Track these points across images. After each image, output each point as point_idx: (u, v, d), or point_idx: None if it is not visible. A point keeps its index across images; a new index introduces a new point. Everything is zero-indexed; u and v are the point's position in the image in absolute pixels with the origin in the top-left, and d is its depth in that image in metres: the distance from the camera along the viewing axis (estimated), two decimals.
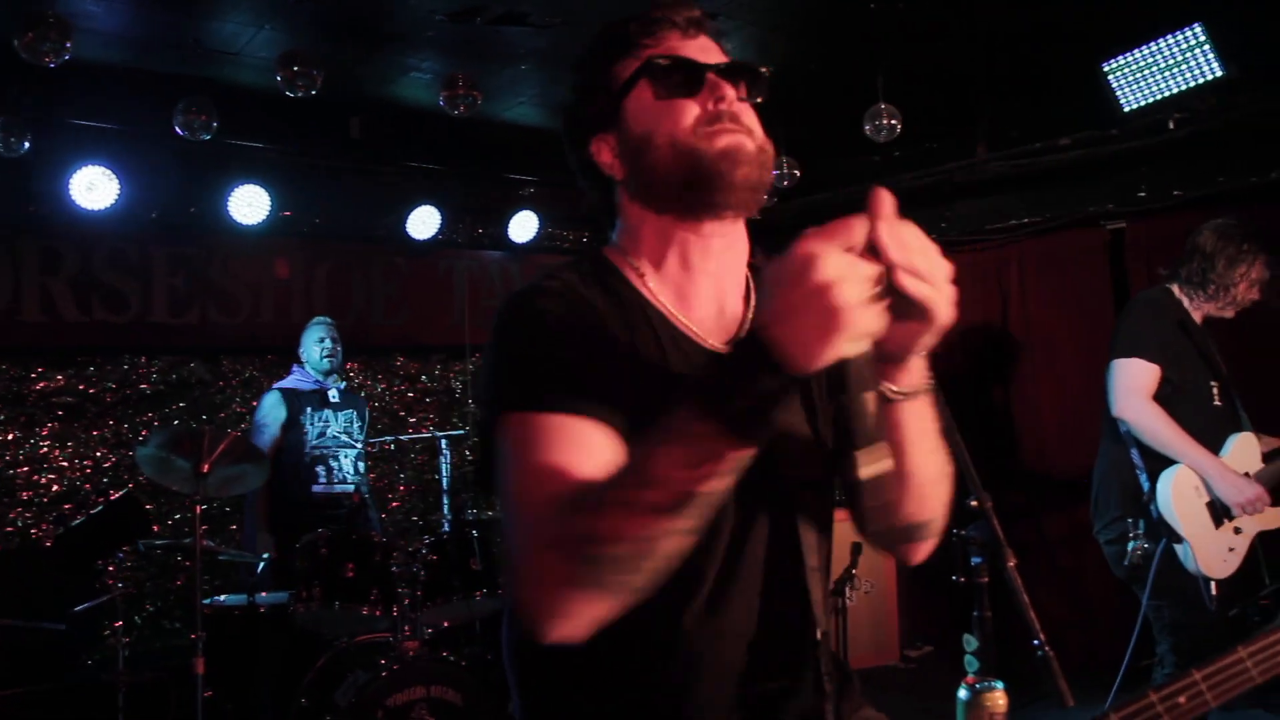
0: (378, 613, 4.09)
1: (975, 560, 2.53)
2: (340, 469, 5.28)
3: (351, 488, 5.21)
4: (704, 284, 1.42)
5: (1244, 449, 3.68)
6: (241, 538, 5.64)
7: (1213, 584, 3.59)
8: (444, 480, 5.26)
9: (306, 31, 5.13)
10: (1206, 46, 4.73)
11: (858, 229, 1.00)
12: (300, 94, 4.97)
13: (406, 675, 3.81)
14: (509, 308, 1.35)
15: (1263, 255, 3.76)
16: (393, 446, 6.40)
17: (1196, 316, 3.80)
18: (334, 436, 5.32)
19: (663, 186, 1.38)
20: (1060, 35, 5.15)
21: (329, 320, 5.55)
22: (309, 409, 5.31)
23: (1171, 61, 4.86)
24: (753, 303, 1.45)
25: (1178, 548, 3.62)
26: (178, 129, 5.24)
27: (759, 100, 1.44)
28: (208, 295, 6.18)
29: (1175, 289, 3.84)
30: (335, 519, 4.91)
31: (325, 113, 6.06)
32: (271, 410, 5.29)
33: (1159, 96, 4.99)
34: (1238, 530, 3.62)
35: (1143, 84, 5.00)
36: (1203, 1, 4.73)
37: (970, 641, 1.92)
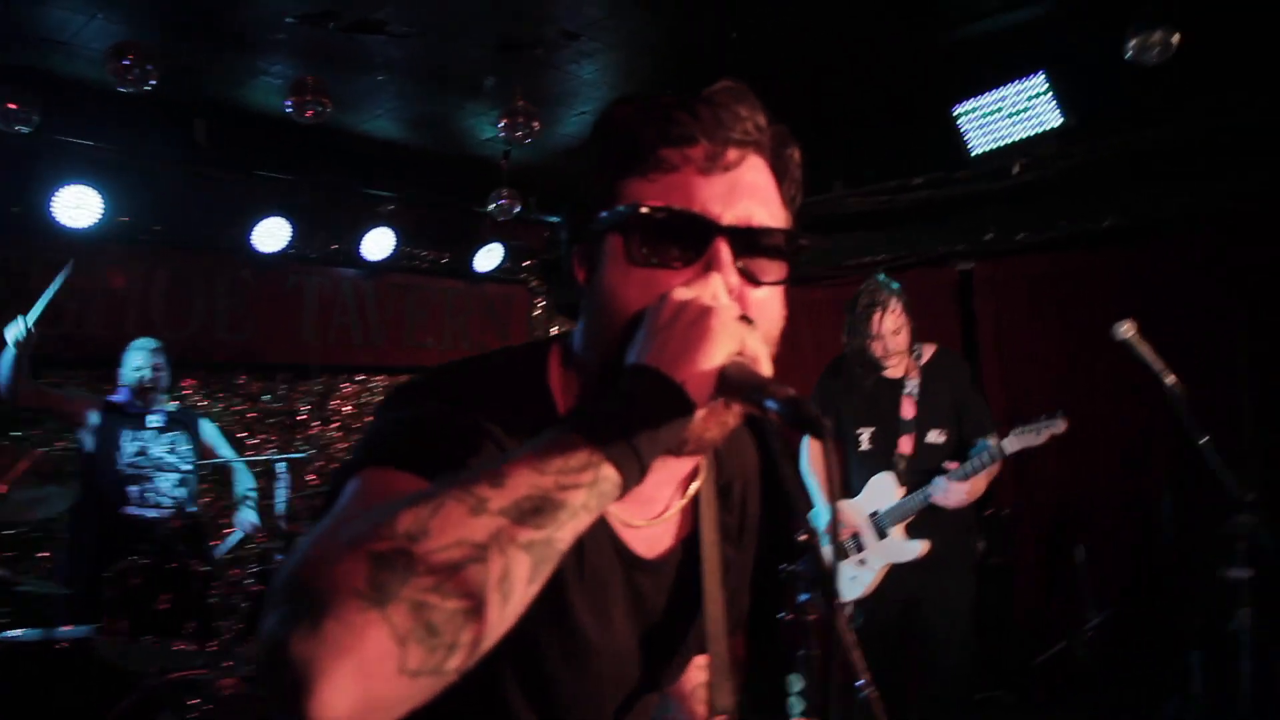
0: (193, 647, 3.80)
1: (802, 596, 2.51)
2: (155, 492, 4.91)
3: (168, 513, 4.86)
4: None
5: (877, 488, 4.11)
6: (53, 565, 5.21)
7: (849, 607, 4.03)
8: (279, 505, 4.97)
9: (145, 23, 4.83)
10: (1049, 94, 4.92)
11: (714, 281, 1.00)
12: (131, 89, 4.65)
13: (221, 715, 3.55)
14: (405, 390, 1.13)
15: (875, 311, 4.08)
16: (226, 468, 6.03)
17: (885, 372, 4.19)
18: (155, 457, 4.96)
19: (595, 374, 1.10)
20: (916, 77, 5.29)
21: (153, 345, 5.12)
22: (126, 429, 4.94)
23: (1016, 108, 5.03)
24: (691, 481, 1.26)
25: None
26: None
27: (775, 283, 1.09)
28: (28, 302, 5.71)
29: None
30: (148, 545, 4.57)
31: (168, 113, 5.74)
32: (93, 407, 4.95)
33: (1005, 142, 5.16)
34: (862, 562, 4.10)
35: (990, 129, 5.16)
36: (1046, 51, 4.92)
37: (794, 682, 1.86)
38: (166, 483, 4.95)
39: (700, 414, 0.96)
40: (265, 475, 6.07)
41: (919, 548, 4.02)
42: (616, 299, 1.05)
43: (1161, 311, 4.63)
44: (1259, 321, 5.01)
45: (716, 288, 1.00)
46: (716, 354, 0.92)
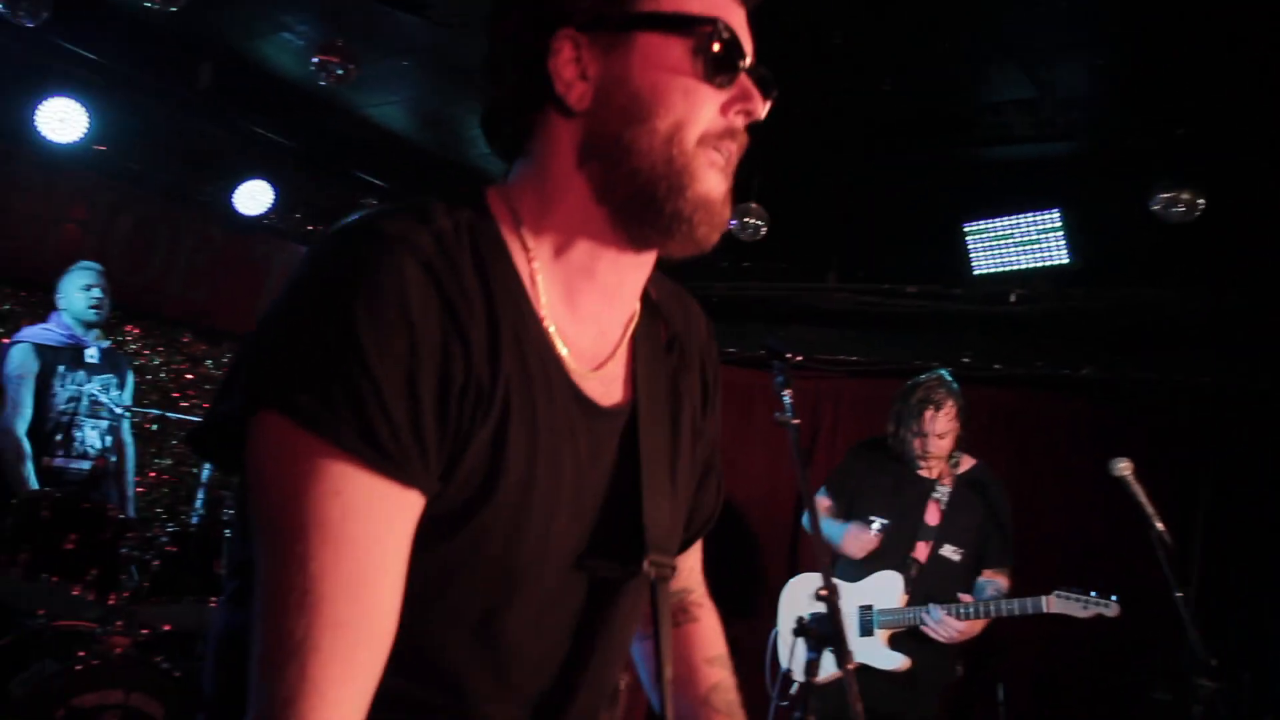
0: (91, 597, 3.51)
1: (810, 655, 2.38)
2: (83, 440, 4.61)
3: (92, 463, 4.56)
4: (595, 296, 1.14)
5: (882, 585, 4.00)
6: None
7: (793, 682, 3.91)
8: (204, 472, 4.70)
9: None
10: (1061, 232, 4.99)
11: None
12: (155, 5, 4.42)
13: (104, 674, 3.27)
14: (328, 250, 0.98)
15: (928, 408, 4.01)
16: (155, 426, 5.72)
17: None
18: (87, 402, 4.66)
19: (621, 181, 1.07)
20: (934, 187, 5.33)
21: (97, 266, 4.92)
22: (61, 368, 4.64)
23: (1027, 238, 5.10)
24: (629, 331, 1.20)
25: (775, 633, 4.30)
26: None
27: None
28: None
29: None
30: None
31: (175, 48, 5.50)
32: (24, 364, 4.60)
33: (1007, 268, 5.21)
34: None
35: (996, 252, 5.22)
36: (1068, 189, 5.00)
37: None
38: (95, 431, 4.65)
39: None
40: None
41: (898, 662, 3.89)
42: (664, 104, 1.05)
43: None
44: (1218, 506, 5.07)
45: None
46: None
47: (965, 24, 4.03)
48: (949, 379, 4.08)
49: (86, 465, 4.60)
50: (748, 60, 1.09)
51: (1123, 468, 3.29)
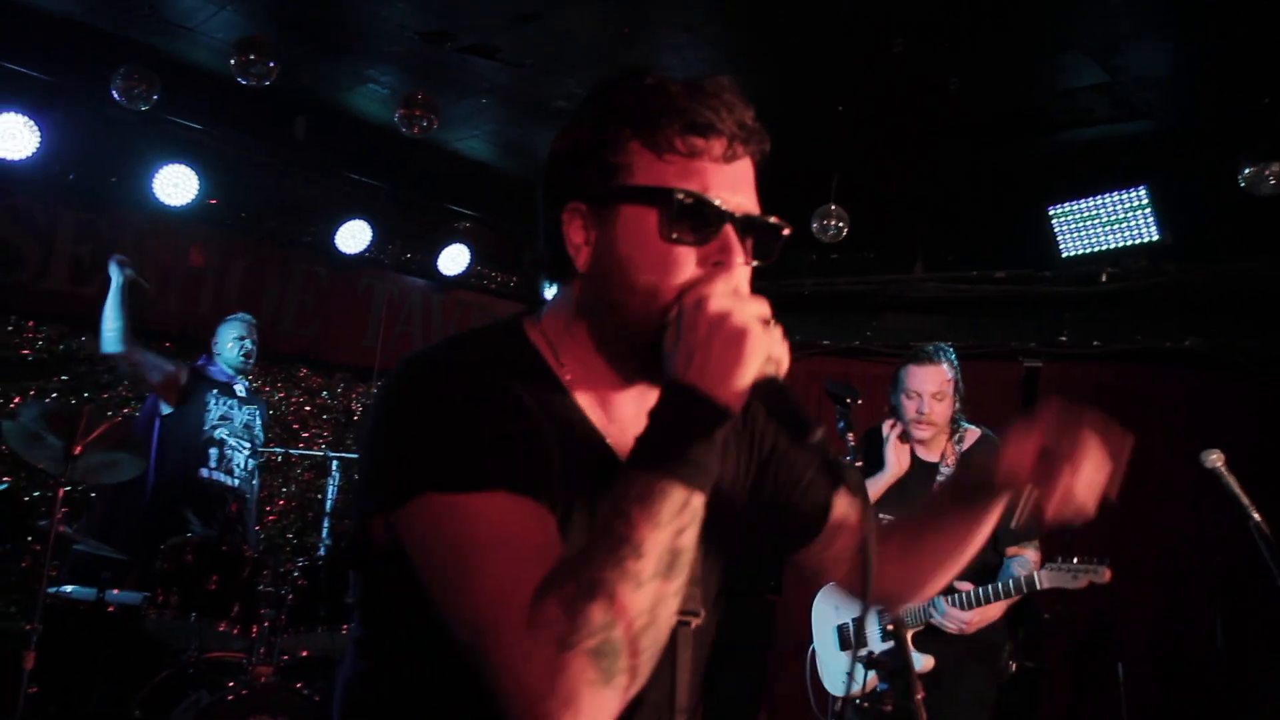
0: (235, 631, 3.82)
1: (881, 687, 2.46)
2: (233, 460, 4.98)
3: (238, 483, 4.92)
4: (630, 400, 1.28)
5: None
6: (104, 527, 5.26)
7: (836, 701, 3.85)
8: (328, 502, 5.00)
9: (268, 19, 4.98)
10: (1148, 209, 4.92)
11: (738, 273, 1.16)
12: (252, 83, 4.79)
13: (253, 701, 3.55)
14: (416, 375, 1.18)
15: (915, 364, 3.76)
16: (280, 458, 6.10)
17: (919, 450, 3.86)
18: (238, 425, 5.04)
19: (618, 332, 1.21)
20: (1017, 173, 5.31)
21: (251, 319, 5.29)
22: (215, 392, 5.02)
23: (1114, 217, 5.04)
24: None
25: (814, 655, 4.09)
26: (115, 94, 5.00)
27: (768, 263, 1.25)
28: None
29: None
30: (212, 515, 4.61)
31: (271, 106, 5.86)
32: (179, 364, 5.01)
33: (1096, 249, 5.16)
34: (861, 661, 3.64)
35: (1083, 233, 5.17)
36: (1153, 166, 4.93)
37: None
38: (240, 454, 5.02)
39: None
40: (315, 469, 6.11)
41: (921, 663, 3.57)
42: (643, 269, 1.17)
43: (1223, 441, 4.56)
44: None
45: (740, 279, 1.17)
46: (751, 372, 1.06)
47: (1031, 20, 4.03)
48: (944, 347, 3.82)
49: (234, 482, 4.95)
50: (723, 218, 1.17)
51: (1214, 459, 3.22)
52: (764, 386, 1.07)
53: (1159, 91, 4.41)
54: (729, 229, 1.18)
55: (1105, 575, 3.47)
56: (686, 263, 1.16)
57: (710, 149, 1.18)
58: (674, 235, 1.16)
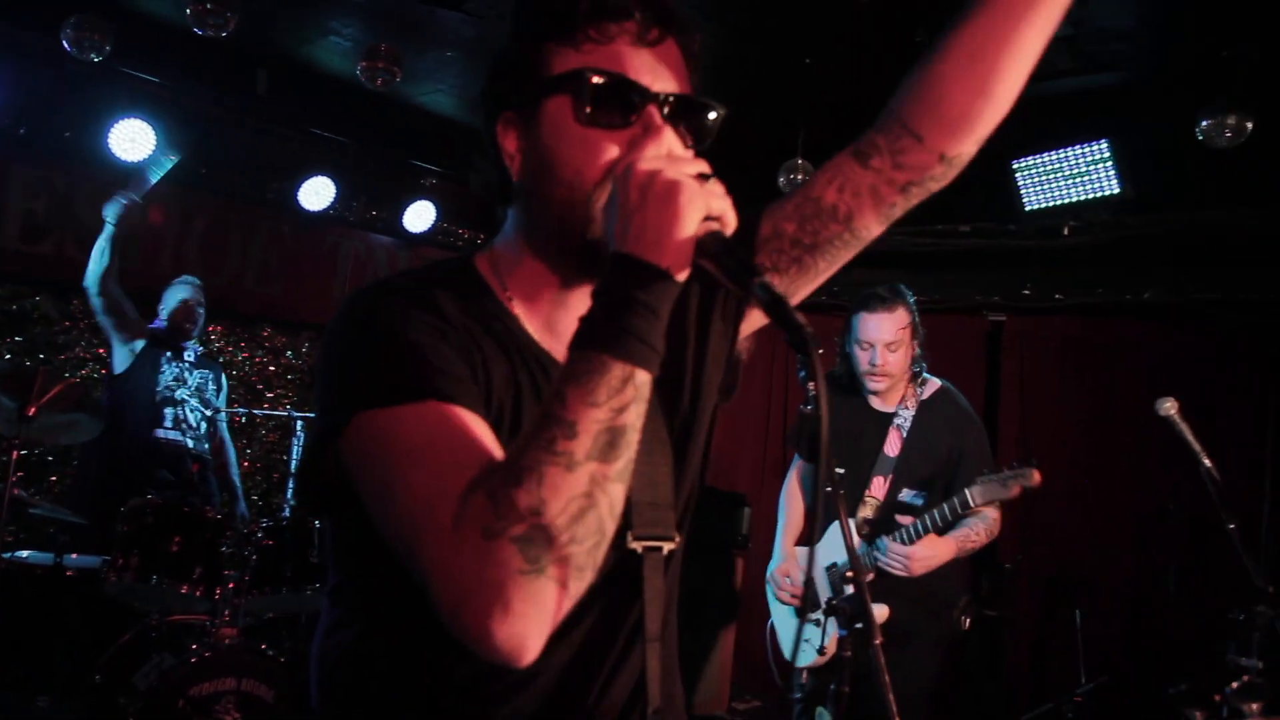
0: (198, 593, 3.81)
1: (841, 632, 2.51)
2: (189, 419, 4.95)
3: (194, 444, 4.90)
4: (575, 314, 1.19)
5: (833, 539, 3.51)
6: (65, 490, 5.23)
7: (802, 672, 3.54)
8: (293, 463, 4.98)
9: None
10: (1110, 162, 4.93)
11: (667, 137, 1.11)
12: (209, 33, 4.66)
13: (217, 664, 3.55)
14: (355, 304, 1.17)
15: (868, 310, 3.50)
16: (244, 419, 6.06)
17: (874, 402, 3.63)
18: (191, 386, 5.01)
19: (550, 231, 1.20)
20: None
21: (196, 281, 5.22)
22: (167, 353, 4.98)
23: (1076, 171, 5.04)
24: None
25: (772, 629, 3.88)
26: (65, 45, 4.86)
27: (703, 146, 1.21)
28: (67, 227, 5.73)
29: None
30: (173, 475, 4.59)
31: (232, 60, 5.73)
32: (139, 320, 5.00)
33: (1059, 202, 5.17)
34: (816, 622, 3.49)
35: (1046, 187, 5.17)
36: (1114, 119, 4.93)
37: (823, 715, 1.88)
38: (194, 416, 4.99)
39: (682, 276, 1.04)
40: (280, 430, 6.08)
41: (876, 612, 3.28)
42: (564, 158, 1.15)
43: (1188, 390, 4.64)
44: None
45: (670, 143, 1.11)
46: (689, 226, 1.01)
47: None
48: (901, 288, 3.53)
49: (191, 443, 4.93)
50: (643, 97, 1.14)
51: (1168, 408, 3.28)
52: (707, 242, 1.02)
53: (1123, 44, 4.40)
54: (651, 109, 1.14)
55: (1035, 478, 3.26)
56: (608, 146, 1.14)
57: (625, 32, 1.16)
58: (590, 116, 1.14)
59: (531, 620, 0.95)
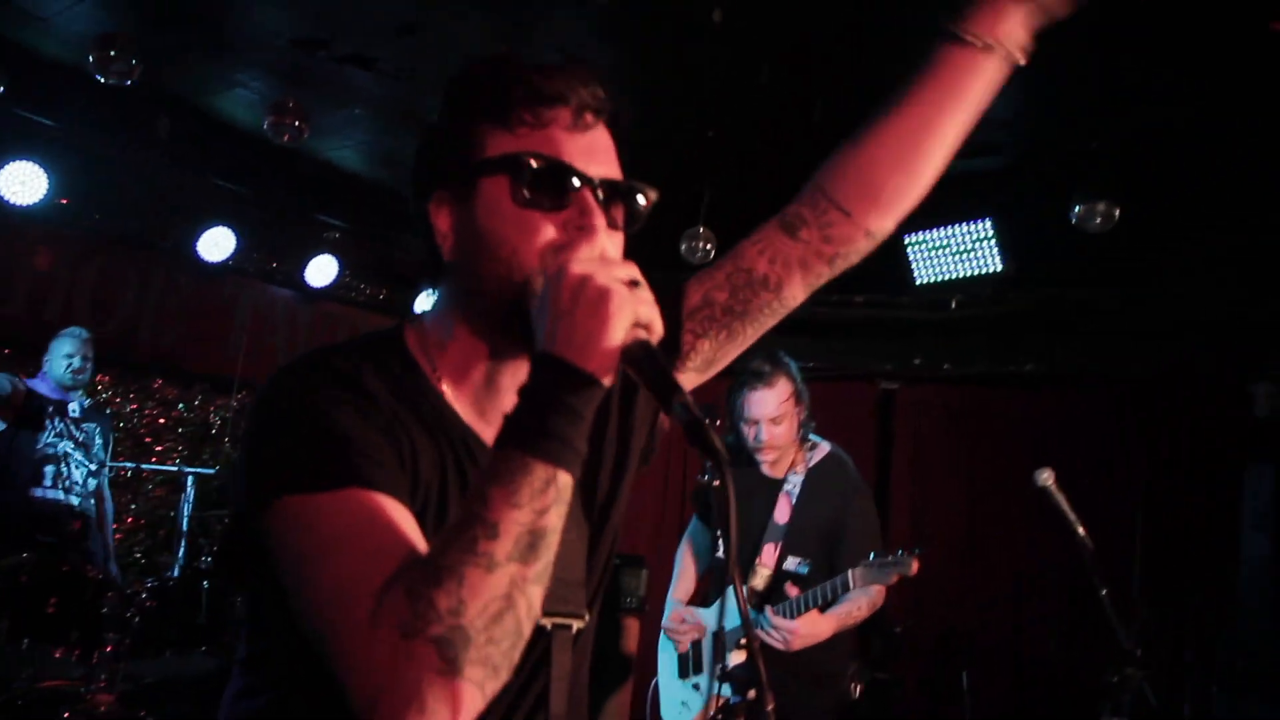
0: (74, 656, 3.65)
1: (735, 699, 2.54)
2: (71, 477, 4.76)
3: (78, 500, 4.71)
4: (507, 396, 1.23)
5: (729, 601, 3.41)
6: None
7: None
8: (183, 521, 4.83)
9: (129, 14, 4.80)
10: (993, 240, 5.20)
11: (601, 238, 1.13)
12: (113, 81, 4.60)
13: None
14: (282, 381, 1.16)
15: (750, 388, 3.42)
16: (130, 474, 5.85)
17: (765, 469, 3.59)
18: (73, 443, 4.82)
19: (486, 308, 1.20)
20: None
21: (84, 334, 5.04)
22: (50, 408, 4.81)
23: (962, 247, 5.30)
24: None
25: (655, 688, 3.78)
26: None
27: (635, 229, 1.23)
28: None
29: None
30: (52, 536, 4.41)
31: (132, 104, 5.62)
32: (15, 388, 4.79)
33: (947, 277, 5.42)
34: (696, 686, 3.53)
35: (935, 262, 5.42)
36: (997, 201, 5.22)
37: None
38: (79, 472, 4.80)
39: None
40: (168, 485, 5.88)
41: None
42: (501, 237, 1.16)
43: (1066, 458, 4.88)
44: (1157, 484, 5.32)
45: (603, 244, 1.14)
46: (618, 335, 1.01)
47: (889, 53, 4.21)
48: (781, 356, 3.45)
49: (74, 500, 4.75)
50: (578, 181, 1.15)
51: (1045, 478, 3.40)
52: (634, 350, 1.02)
53: (1006, 130, 4.67)
54: (585, 192, 1.16)
55: (912, 567, 3.21)
56: (544, 227, 1.15)
57: (559, 118, 1.18)
58: (528, 198, 1.15)
59: (445, 719, 0.95)
